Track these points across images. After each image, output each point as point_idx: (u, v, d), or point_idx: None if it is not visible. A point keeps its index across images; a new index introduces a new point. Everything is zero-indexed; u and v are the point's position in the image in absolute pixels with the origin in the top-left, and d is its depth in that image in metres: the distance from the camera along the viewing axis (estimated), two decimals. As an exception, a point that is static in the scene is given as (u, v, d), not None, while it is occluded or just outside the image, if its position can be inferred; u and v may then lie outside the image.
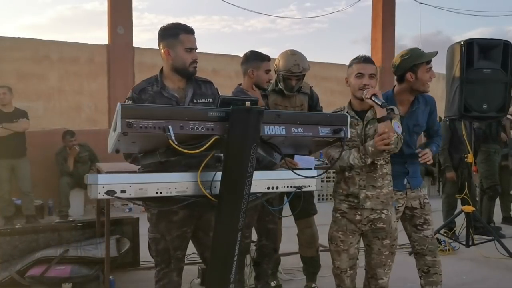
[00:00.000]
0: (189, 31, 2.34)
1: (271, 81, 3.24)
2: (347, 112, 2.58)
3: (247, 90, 3.14)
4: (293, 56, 3.22)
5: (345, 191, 2.60)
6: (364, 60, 2.57)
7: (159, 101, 2.32)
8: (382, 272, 2.63)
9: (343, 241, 2.60)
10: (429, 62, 2.86)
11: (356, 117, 2.61)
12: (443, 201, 5.71)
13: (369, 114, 2.59)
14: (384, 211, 2.58)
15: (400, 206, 2.89)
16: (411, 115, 2.92)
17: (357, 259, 2.72)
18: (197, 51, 2.38)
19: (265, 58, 3.13)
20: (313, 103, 3.44)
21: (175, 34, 2.32)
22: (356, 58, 2.60)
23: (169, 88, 2.38)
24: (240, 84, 3.24)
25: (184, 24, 2.35)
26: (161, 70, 2.43)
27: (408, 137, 2.89)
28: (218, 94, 2.53)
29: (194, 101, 2.40)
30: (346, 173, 2.60)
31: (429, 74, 2.86)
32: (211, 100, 2.45)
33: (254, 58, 3.11)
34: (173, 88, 2.39)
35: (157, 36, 2.40)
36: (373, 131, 2.56)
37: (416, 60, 2.83)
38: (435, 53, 2.87)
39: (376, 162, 2.57)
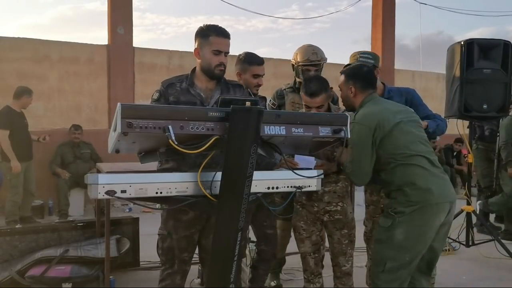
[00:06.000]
0: (221, 34, 2.34)
1: (260, 86, 3.10)
2: None
3: None
4: (310, 47, 3.34)
5: None
6: (310, 94, 2.62)
7: (183, 98, 2.35)
8: (344, 259, 2.83)
9: (305, 230, 2.85)
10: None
11: None
12: (500, 202, 5.30)
13: None
14: (340, 203, 2.79)
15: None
16: None
17: (321, 244, 2.95)
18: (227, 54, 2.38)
19: (254, 62, 3.01)
20: (333, 101, 3.40)
21: (206, 35, 2.34)
22: (304, 88, 2.65)
23: (197, 86, 2.41)
24: None
25: (219, 27, 2.36)
26: (194, 69, 2.46)
27: None
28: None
29: None
30: None
31: None
32: None
33: (244, 61, 3.02)
34: (201, 88, 2.41)
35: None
36: None
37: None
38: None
39: (331, 160, 2.71)
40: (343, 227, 2.79)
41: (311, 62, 3.27)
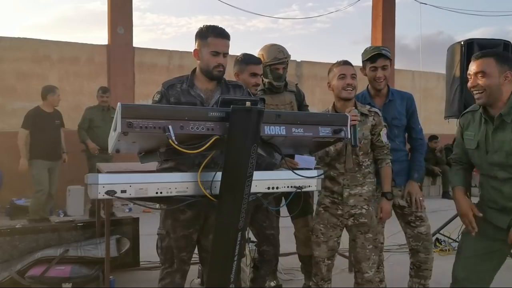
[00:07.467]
0: (219, 35, 2.33)
1: (259, 85, 3.16)
2: None
3: None
4: (274, 46, 3.35)
5: (330, 188, 2.72)
6: (344, 63, 2.65)
7: (184, 98, 2.35)
8: (367, 266, 2.72)
9: (324, 234, 2.74)
10: (373, 61, 2.93)
11: None
12: None
13: None
14: (365, 207, 2.70)
15: None
16: (386, 108, 2.97)
17: (337, 251, 2.84)
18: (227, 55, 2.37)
19: (251, 62, 3.05)
20: (300, 98, 3.46)
21: (204, 36, 2.34)
22: (336, 63, 2.68)
23: (198, 87, 2.41)
24: None
25: (217, 28, 2.35)
26: (194, 70, 2.46)
27: (388, 130, 2.82)
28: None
29: None
30: (331, 173, 2.69)
31: (374, 73, 2.94)
32: None
33: (241, 61, 3.06)
34: (201, 88, 2.41)
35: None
36: (360, 134, 2.61)
37: (363, 57, 2.99)
38: (375, 52, 2.93)
39: (361, 163, 2.68)
40: (368, 231, 2.70)
41: (279, 61, 3.29)
